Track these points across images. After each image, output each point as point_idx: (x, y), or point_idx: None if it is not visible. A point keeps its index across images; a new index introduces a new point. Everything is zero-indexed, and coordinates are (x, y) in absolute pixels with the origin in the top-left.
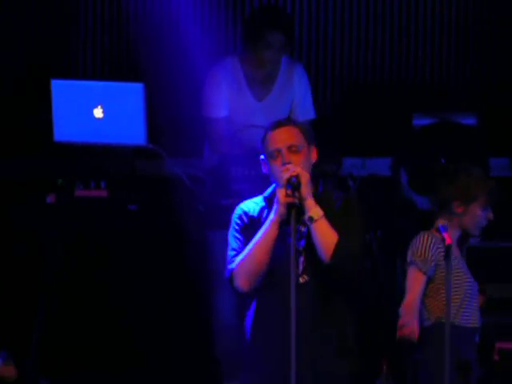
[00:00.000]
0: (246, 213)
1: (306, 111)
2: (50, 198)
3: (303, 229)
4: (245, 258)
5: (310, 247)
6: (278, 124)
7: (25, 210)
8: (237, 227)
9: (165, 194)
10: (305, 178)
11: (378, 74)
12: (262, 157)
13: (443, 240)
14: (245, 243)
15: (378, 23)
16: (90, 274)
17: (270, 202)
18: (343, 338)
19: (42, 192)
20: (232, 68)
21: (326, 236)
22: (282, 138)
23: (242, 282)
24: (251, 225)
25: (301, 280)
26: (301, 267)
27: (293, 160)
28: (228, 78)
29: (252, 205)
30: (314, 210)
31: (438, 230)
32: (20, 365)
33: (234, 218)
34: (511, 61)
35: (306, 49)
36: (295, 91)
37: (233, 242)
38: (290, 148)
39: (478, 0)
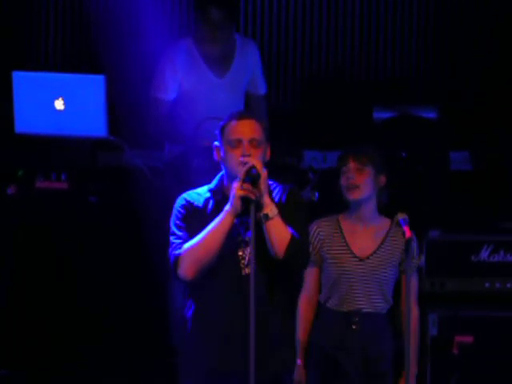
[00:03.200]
0: (190, 202)
1: (261, 86)
2: (11, 190)
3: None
4: (195, 246)
5: (257, 239)
6: (242, 115)
7: None
8: (181, 216)
9: (125, 186)
10: (263, 174)
11: (339, 67)
12: (216, 143)
13: (403, 233)
14: (188, 232)
15: (339, 15)
16: (50, 265)
17: (215, 193)
18: (285, 329)
19: (3, 183)
20: (187, 49)
21: (279, 233)
22: (246, 129)
23: (187, 269)
24: (195, 215)
25: (246, 271)
26: (246, 259)
27: (252, 153)
28: (183, 58)
29: (195, 195)
30: (269, 208)
31: (398, 224)
32: None
33: (178, 207)
34: (472, 54)
35: (267, 42)
36: (251, 67)
37: (177, 231)
38: (251, 141)
39: None
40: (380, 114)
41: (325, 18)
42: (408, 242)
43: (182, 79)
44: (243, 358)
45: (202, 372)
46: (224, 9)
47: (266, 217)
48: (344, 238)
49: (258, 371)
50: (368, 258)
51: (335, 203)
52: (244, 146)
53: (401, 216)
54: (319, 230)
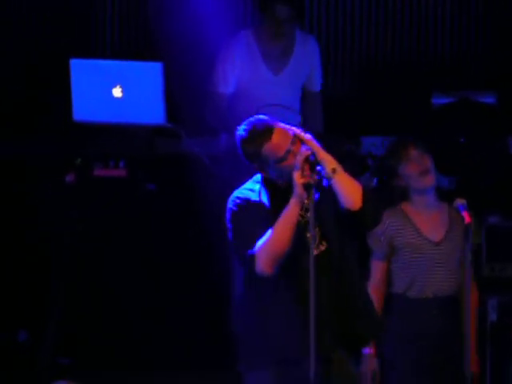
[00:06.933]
0: (245, 199)
1: (316, 83)
2: (69, 178)
3: (306, 202)
4: (268, 241)
5: (319, 218)
6: (267, 131)
7: (43, 190)
8: (240, 214)
9: (183, 174)
10: (315, 147)
11: (397, 53)
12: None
13: (462, 219)
14: (253, 227)
15: (398, 1)
16: (108, 254)
17: (265, 182)
18: (365, 299)
19: (61, 171)
20: (246, 42)
21: (351, 184)
22: (282, 141)
23: (265, 265)
24: (254, 209)
25: (317, 251)
26: (316, 239)
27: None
28: (242, 52)
29: (247, 192)
30: (333, 162)
31: (457, 209)
32: (38, 346)
33: (233, 206)
34: None
35: (325, 27)
36: (310, 64)
37: (242, 228)
38: (293, 143)
39: None
40: (439, 100)
41: (382, 2)
42: (467, 228)
43: (240, 73)
44: (310, 340)
45: (268, 363)
46: (290, 5)
47: (334, 170)
48: (414, 225)
49: (337, 346)
50: (442, 241)
51: (393, 189)
52: (293, 150)
53: (460, 201)
54: (389, 220)
